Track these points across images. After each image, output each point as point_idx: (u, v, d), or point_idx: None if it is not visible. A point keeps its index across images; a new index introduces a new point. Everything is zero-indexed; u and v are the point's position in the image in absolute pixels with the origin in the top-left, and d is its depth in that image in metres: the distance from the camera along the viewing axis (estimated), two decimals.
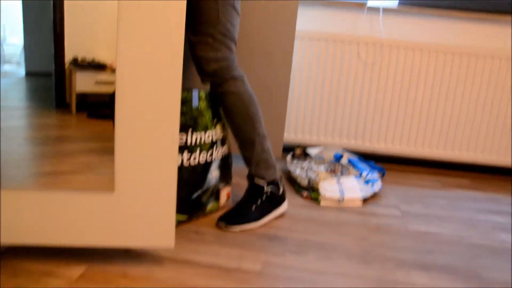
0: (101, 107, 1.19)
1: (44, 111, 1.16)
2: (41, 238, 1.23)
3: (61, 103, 1.17)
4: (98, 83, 1.19)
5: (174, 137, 1.21)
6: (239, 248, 1.49)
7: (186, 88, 2.01)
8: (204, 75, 1.62)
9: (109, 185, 1.22)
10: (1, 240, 1.21)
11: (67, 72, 1.17)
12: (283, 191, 1.76)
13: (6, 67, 1.15)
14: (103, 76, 1.19)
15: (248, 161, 1.72)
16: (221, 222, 1.63)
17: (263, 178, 1.70)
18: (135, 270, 1.31)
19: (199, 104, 1.59)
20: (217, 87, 1.63)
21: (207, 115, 1.62)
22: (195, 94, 1.58)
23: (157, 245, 1.29)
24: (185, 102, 1.55)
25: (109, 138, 1.19)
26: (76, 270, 1.28)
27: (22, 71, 1.16)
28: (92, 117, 1.19)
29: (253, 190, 1.70)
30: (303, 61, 2.56)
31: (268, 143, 1.72)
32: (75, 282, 1.22)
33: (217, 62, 1.58)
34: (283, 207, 1.78)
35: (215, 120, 1.67)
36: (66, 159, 1.19)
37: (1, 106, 1.13)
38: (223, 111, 1.68)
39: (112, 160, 1.20)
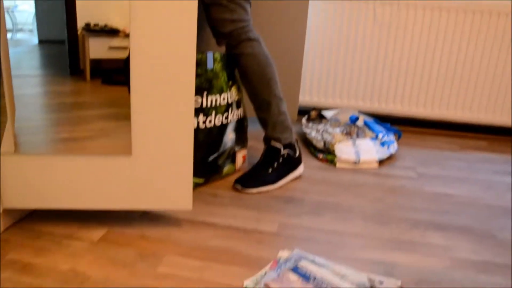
0: (115, 73, 1.19)
1: (58, 78, 1.17)
2: (62, 202, 1.26)
3: (75, 70, 1.17)
4: (111, 48, 1.18)
5: (190, 99, 1.21)
6: (255, 210, 1.51)
7: (201, 51, 1.99)
8: (220, 37, 1.61)
9: (126, 150, 1.23)
10: (23, 205, 1.24)
11: (80, 38, 1.16)
12: (300, 153, 1.77)
13: (18, 35, 1.15)
14: (116, 42, 1.18)
15: (264, 123, 1.72)
16: (238, 184, 1.64)
17: (279, 140, 1.70)
18: (153, 232, 1.33)
19: (214, 66, 1.58)
20: (232, 49, 1.62)
21: (222, 77, 1.61)
22: (209, 56, 1.57)
23: (175, 207, 1.31)
24: (200, 64, 1.54)
25: (124, 103, 1.20)
26: (96, 233, 1.31)
27: (35, 39, 1.15)
28: (106, 83, 1.20)
29: (270, 153, 1.70)
30: (318, 23, 2.52)
31: (285, 105, 1.71)
32: (96, 244, 1.25)
33: (232, 23, 1.57)
34: (300, 170, 1.78)
35: (230, 82, 1.66)
36: (82, 126, 1.20)
37: (13, 75, 1.13)
38: (239, 73, 1.67)
39: (128, 126, 1.21)
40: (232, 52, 1.63)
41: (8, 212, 1.30)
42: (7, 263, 1.14)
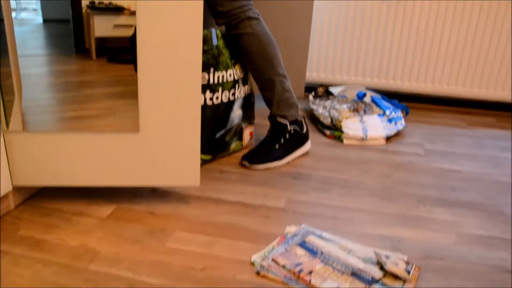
0: (121, 52, 1.19)
1: (63, 57, 1.16)
2: (71, 180, 1.27)
3: (80, 48, 1.17)
4: (116, 26, 1.18)
5: (197, 76, 1.20)
6: (263, 186, 1.52)
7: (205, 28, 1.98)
8: (219, 16, 1.58)
9: (133, 128, 1.23)
10: (33, 182, 1.25)
11: (84, 16, 1.16)
12: (307, 130, 1.77)
13: (22, 15, 1.14)
14: (121, 20, 1.17)
15: (269, 101, 1.71)
16: (245, 160, 1.65)
17: (285, 117, 1.70)
18: (162, 208, 1.35)
19: (218, 43, 1.57)
20: (232, 29, 1.60)
21: (226, 54, 1.61)
22: (213, 32, 1.56)
23: (183, 183, 1.32)
24: (206, 40, 1.53)
25: (131, 82, 1.20)
26: (105, 210, 1.32)
27: (39, 18, 1.15)
28: (112, 61, 1.19)
29: (276, 129, 1.70)
30: None
31: (288, 82, 1.70)
32: (105, 221, 1.27)
33: (231, 2, 1.54)
34: (307, 146, 1.78)
35: (233, 61, 1.65)
36: (89, 104, 1.20)
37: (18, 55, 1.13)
38: (242, 53, 1.66)
39: (135, 104, 1.21)
40: (232, 32, 1.61)
41: (18, 189, 1.31)
42: (19, 239, 1.16)
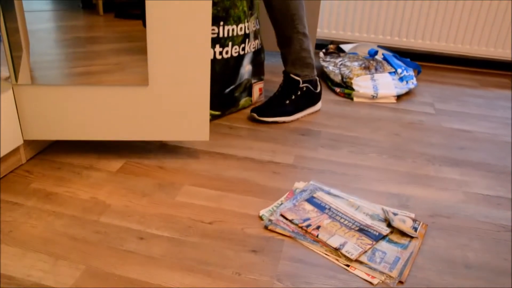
0: (128, 7, 1.16)
1: (70, 13, 1.14)
2: (80, 134, 1.28)
3: (87, 4, 1.15)
4: None
5: (207, 29, 1.19)
6: (272, 142, 1.52)
7: None
8: None
9: (142, 82, 1.22)
10: (43, 136, 1.26)
11: None
12: (320, 90, 1.75)
13: None
14: None
15: (284, 58, 1.69)
16: (253, 113, 1.64)
17: (298, 76, 1.67)
18: (171, 162, 1.36)
19: None
20: None
21: (241, 6, 1.57)
22: None
23: (192, 138, 1.32)
24: None
25: (139, 37, 1.18)
26: (115, 164, 1.33)
27: None
28: (119, 17, 1.17)
29: (289, 85, 1.68)
30: None
31: (308, 41, 1.66)
32: (115, 175, 1.28)
33: None
34: (317, 107, 1.77)
35: (250, 12, 1.62)
36: (98, 60, 1.19)
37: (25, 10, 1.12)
38: (264, 5, 1.62)
39: (143, 60, 1.20)
40: None
41: (29, 143, 1.32)
42: (31, 192, 1.17)
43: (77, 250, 0.98)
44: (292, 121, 1.68)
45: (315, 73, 1.72)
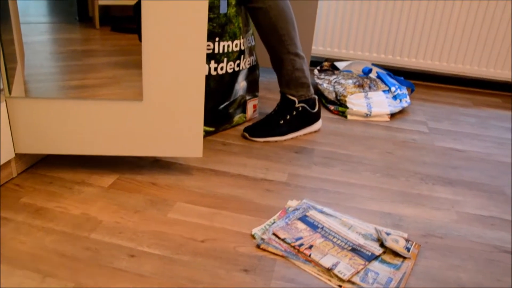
0: (124, 21, 1.17)
1: (67, 26, 1.15)
2: (73, 148, 1.27)
3: (84, 17, 1.15)
4: None
5: (202, 45, 1.19)
6: (265, 159, 1.51)
7: None
8: None
9: (137, 97, 1.22)
10: (35, 150, 1.25)
11: None
12: (318, 109, 1.73)
13: None
14: None
15: (279, 79, 1.68)
16: (245, 132, 1.64)
17: (293, 96, 1.67)
18: (164, 178, 1.35)
19: (228, 11, 1.54)
20: (246, 2, 1.57)
21: (236, 23, 1.57)
22: (223, 0, 1.53)
23: (185, 154, 1.31)
24: (213, 8, 1.50)
25: (135, 51, 1.18)
26: (107, 179, 1.32)
27: None
28: (116, 30, 1.17)
29: (285, 105, 1.68)
30: None
31: (301, 61, 1.65)
32: (107, 190, 1.27)
33: None
34: (316, 126, 1.76)
35: (246, 28, 1.62)
36: (93, 73, 1.19)
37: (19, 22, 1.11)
38: (255, 27, 1.63)
39: (138, 74, 1.20)
40: (244, 5, 1.58)
41: (21, 157, 1.31)
42: (21, 207, 1.16)
43: (66, 267, 0.96)
44: (285, 140, 1.68)
45: (312, 91, 1.70)
